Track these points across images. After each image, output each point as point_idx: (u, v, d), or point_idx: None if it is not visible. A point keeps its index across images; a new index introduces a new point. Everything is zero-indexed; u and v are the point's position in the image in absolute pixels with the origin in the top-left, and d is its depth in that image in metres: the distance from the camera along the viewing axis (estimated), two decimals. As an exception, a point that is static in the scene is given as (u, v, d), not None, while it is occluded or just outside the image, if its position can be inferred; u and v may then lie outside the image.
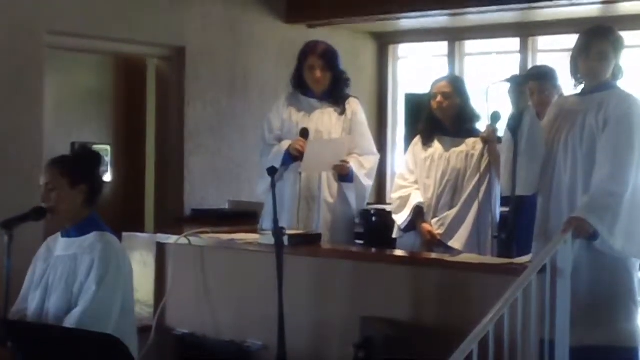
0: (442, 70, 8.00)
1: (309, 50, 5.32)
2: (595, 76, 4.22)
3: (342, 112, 5.34)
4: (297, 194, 5.20)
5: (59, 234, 3.88)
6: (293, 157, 5.16)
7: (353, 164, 5.23)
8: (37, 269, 3.88)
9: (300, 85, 5.36)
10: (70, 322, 3.63)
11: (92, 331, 3.35)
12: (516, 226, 4.25)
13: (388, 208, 5.41)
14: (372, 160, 5.38)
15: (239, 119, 7.16)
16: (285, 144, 5.22)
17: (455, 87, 5.15)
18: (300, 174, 5.17)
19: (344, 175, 5.25)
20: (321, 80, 5.29)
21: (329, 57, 5.30)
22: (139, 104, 7.46)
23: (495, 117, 4.80)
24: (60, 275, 3.78)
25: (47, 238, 3.99)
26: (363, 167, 5.29)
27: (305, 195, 5.25)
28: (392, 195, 5.29)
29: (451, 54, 8.27)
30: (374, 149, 5.47)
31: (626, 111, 4.14)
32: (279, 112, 5.37)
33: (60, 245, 3.84)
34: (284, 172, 5.18)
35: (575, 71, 4.29)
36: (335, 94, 5.35)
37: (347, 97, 5.39)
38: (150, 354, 4.65)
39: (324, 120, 5.32)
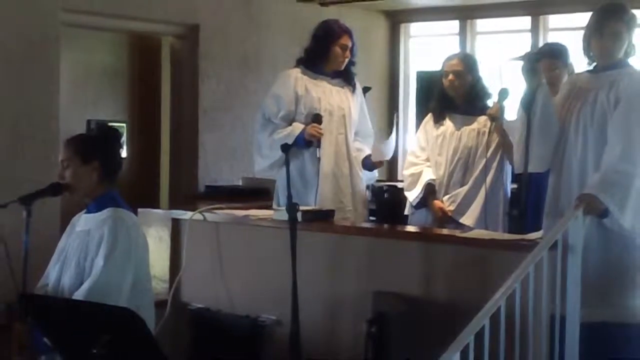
0: (453, 48, 8.00)
1: (342, 31, 5.30)
2: (609, 56, 4.22)
3: (353, 91, 5.40)
4: (316, 172, 5.22)
5: (84, 210, 3.92)
6: (307, 142, 5.20)
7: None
8: (61, 244, 3.93)
9: (315, 63, 5.38)
10: (78, 297, 3.66)
11: (108, 304, 3.38)
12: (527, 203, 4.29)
13: (400, 185, 5.45)
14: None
15: (252, 96, 7.19)
16: (298, 127, 5.21)
17: (466, 65, 5.17)
18: (319, 159, 5.20)
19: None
20: (344, 61, 5.32)
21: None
22: (153, 81, 7.50)
23: (502, 94, 4.82)
24: (75, 250, 3.83)
25: (68, 213, 4.03)
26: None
27: (334, 172, 5.30)
28: (404, 172, 5.33)
29: (462, 33, 8.28)
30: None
31: (638, 90, 4.15)
32: (289, 86, 5.30)
33: (81, 221, 3.88)
34: (296, 152, 5.20)
35: (588, 50, 4.28)
36: (348, 73, 5.38)
37: (354, 76, 5.44)
38: (166, 328, 4.69)
39: (342, 98, 5.36)
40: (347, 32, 5.30)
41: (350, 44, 5.29)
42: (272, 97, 5.34)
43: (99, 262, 3.69)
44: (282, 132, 5.23)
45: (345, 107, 5.34)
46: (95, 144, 3.88)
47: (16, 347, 3.65)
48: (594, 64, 4.30)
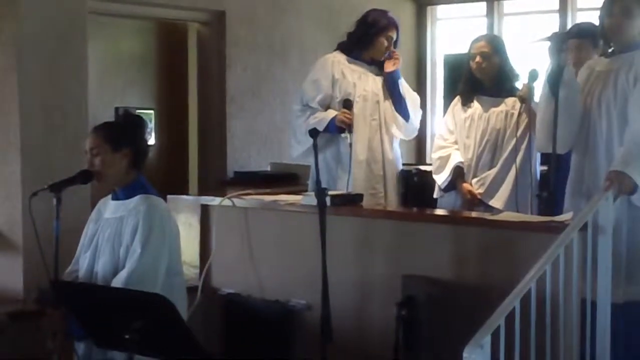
0: (480, 30, 7.96)
1: (390, 24, 5.33)
2: (620, 33, 4.20)
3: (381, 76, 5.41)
4: (347, 158, 5.23)
5: (109, 197, 3.95)
6: (339, 128, 5.21)
7: None
8: (89, 231, 3.95)
9: (355, 49, 5.38)
10: (117, 284, 3.69)
11: (141, 291, 3.41)
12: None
13: (428, 168, 5.44)
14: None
15: (278, 82, 7.20)
16: (331, 113, 5.25)
17: (494, 47, 5.15)
18: (350, 144, 5.20)
19: None
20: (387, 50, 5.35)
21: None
22: (180, 68, 7.52)
23: (532, 75, 4.79)
24: (108, 237, 3.85)
25: (99, 200, 4.06)
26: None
27: (367, 158, 5.30)
28: (432, 155, 5.33)
29: (490, 14, 8.22)
30: (417, 120, 5.55)
31: None
32: (326, 71, 5.34)
33: (110, 208, 3.91)
34: (332, 138, 5.25)
35: (602, 30, 4.28)
36: (384, 61, 5.39)
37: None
38: (197, 314, 4.73)
39: (377, 84, 5.36)
40: (395, 26, 5.35)
41: (395, 37, 5.33)
42: (310, 81, 5.39)
43: (136, 249, 3.72)
44: (317, 118, 5.27)
45: (380, 94, 5.34)
46: (124, 131, 3.91)
47: (50, 332, 3.69)
48: (611, 49, 4.29)
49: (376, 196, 5.26)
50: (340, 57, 5.39)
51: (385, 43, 5.31)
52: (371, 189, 5.26)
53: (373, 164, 5.34)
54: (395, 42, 5.36)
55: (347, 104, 5.24)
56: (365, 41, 5.33)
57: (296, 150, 5.43)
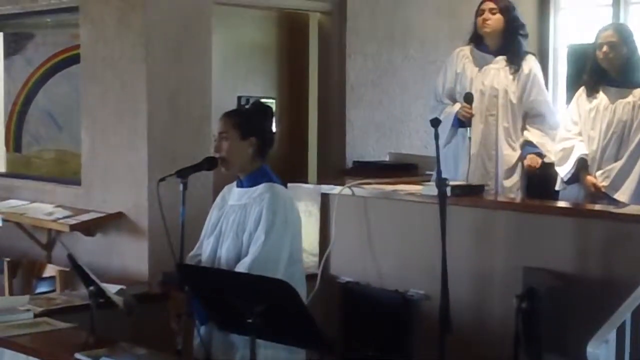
0: (605, 20, 7.77)
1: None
2: None
3: (517, 69, 5.30)
4: (467, 152, 5.19)
5: (234, 184, 4.00)
6: (460, 121, 5.19)
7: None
8: (213, 217, 4.01)
9: (475, 37, 5.34)
10: (240, 270, 3.71)
11: (264, 276, 3.44)
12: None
13: (546, 157, 5.36)
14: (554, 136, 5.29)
15: (399, 72, 7.18)
16: (457, 107, 5.24)
17: (622, 36, 5.03)
18: (469, 138, 5.15)
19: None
20: (489, 22, 5.25)
21: (500, 1, 5.27)
22: (301, 58, 7.58)
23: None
24: (232, 224, 3.90)
25: (222, 187, 4.14)
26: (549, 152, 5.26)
27: (481, 153, 5.27)
28: (555, 146, 5.22)
29: (615, 3, 8.03)
30: (556, 116, 5.43)
31: None
32: (452, 65, 5.37)
33: (234, 195, 3.96)
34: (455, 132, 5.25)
35: None
36: (511, 47, 5.30)
37: (524, 53, 5.34)
38: (316, 301, 4.77)
39: (500, 77, 5.30)
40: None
41: (489, 7, 5.24)
42: (440, 76, 5.45)
43: (260, 236, 3.75)
44: (444, 112, 5.28)
45: (501, 88, 5.27)
46: (253, 120, 3.95)
47: (174, 315, 3.78)
48: None
49: (487, 193, 5.18)
50: (466, 50, 5.36)
51: (480, 19, 5.25)
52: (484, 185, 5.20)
53: (487, 160, 5.29)
54: (505, 9, 5.25)
55: (468, 97, 5.20)
56: (475, 28, 5.31)
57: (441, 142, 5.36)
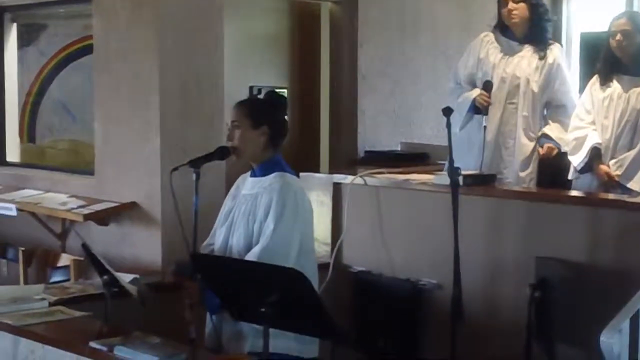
0: (618, 8, 7.73)
1: None
2: None
3: (543, 57, 5.26)
4: (481, 140, 5.17)
5: (248, 173, 4.01)
6: (477, 109, 5.16)
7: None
8: (227, 206, 4.03)
9: (501, 25, 5.32)
10: (249, 259, 3.74)
11: (277, 265, 3.44)
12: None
13: (563, 149, 5.34)
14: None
15: (410, 61, 7.18)
16: (475, 92, 5.19)
17: (635, 25, 5.00)
18: (485, 127, 5.14)
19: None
20: (515, 12, 5.22)
21: None
22: (313, 47, 7.57)
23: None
24: (243, 213, 3.92)
25: (233, 177, 4.14)
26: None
27: (497, 141, 5.24)
28: (568, 135, 5.20)
29: (629, -9, 8.00)
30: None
31: None
32: (475, 49, 5.33)
33: (247, 185, 3.98)
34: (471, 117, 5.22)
35: None
36: (537, 35, 5.26)
37: (549, 41, 5.31)
38: (329, 290, 4.78)
39: (523, 66, 5.25)
40: None
41: None
42: (462, 60, 5.41)
43: (269, 226, 3.76)
44: (462, 96, 5.25)
45: (523, 76, 5.23)
46: (265, 109, 3.97)
47: (187, 304, 3.79)
48: None
49: (501, 182, 5.17)
50: (490, 36, 5.32)
51: (504, 9, 5.21)
52: (499, 174, 5.18)
53: (503, 148, 5.27)
54: (537, 7, 5.23)
55: (487, 85, 5.17)
56: (500, 15, 5.28)
57: (457, 126, 5.29)
